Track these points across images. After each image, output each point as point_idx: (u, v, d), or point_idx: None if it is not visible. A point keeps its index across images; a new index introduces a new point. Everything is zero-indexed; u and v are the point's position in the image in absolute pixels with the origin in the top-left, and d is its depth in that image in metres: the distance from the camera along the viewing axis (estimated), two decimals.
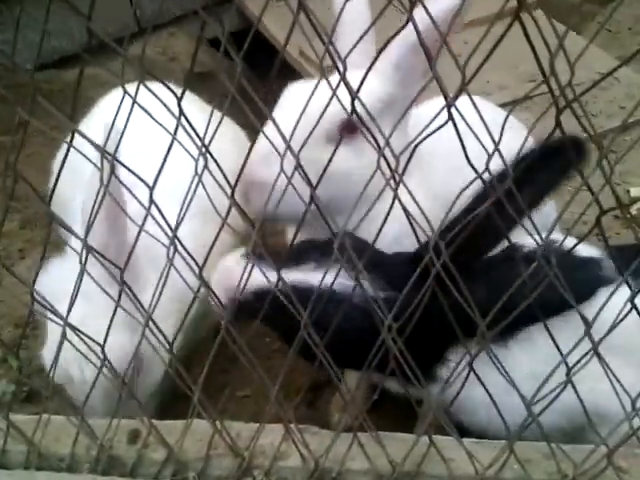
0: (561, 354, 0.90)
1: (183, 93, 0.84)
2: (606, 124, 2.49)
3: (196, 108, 1.14)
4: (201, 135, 0.85)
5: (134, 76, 2.65)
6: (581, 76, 2.63)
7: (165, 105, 0.85)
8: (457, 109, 0.76)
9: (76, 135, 1.96)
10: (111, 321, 0.93)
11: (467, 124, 0.78)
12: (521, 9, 0.70)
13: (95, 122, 1.63)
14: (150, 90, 0.83)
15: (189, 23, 3.21)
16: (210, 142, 0.87)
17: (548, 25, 0.71)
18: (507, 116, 0.81)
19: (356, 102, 0.74)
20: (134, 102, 0.85)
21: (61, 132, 1.87)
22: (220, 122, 0.88)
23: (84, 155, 0.88)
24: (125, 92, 0.84)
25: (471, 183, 0.84)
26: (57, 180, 0.98)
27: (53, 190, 0.98)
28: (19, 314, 1.87)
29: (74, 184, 1.32)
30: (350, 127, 1.19)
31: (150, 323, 0.89)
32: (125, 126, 0.90)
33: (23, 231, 2.13)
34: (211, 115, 0.90)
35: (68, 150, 0.92)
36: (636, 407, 0.89)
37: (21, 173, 0.90)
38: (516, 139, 0.89)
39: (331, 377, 1.00)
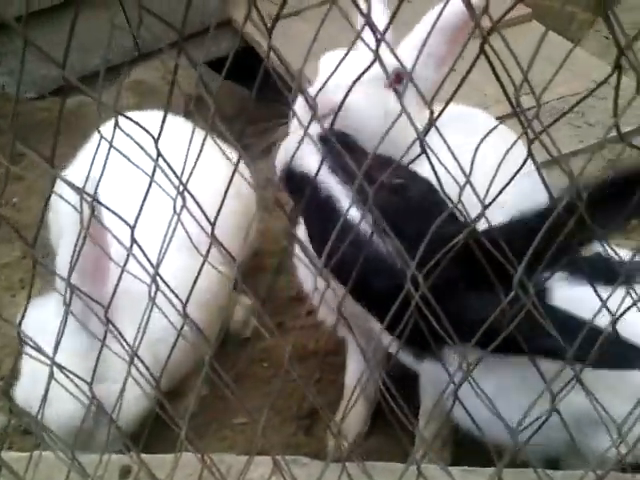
0: (545, 381, 0.90)
1: (160, 134, 0.85)
2: (603, 134, 2.49)
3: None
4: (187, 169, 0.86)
5: (132, 101, 2.67)
6: (578, 86, 2.64)
7: (142, 147, 0.86)
8: (428, 145, 0.77)
9: (74, 162, 1.98)
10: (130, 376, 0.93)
11: (437, 158, 0.78)
12: (486, 41, 0.71)
13: (87, 158, 1.65)
14: (125, 132, 0.84)
15: (188, 48, 3.26)
16: (188, 181, 0.88)
17: (548, 37, 0.71)
18: (483, 138, 0.81)
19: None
20: (111, 145, 0.86)
21: (62, 162, 1.91)
22: (199, 155, 0.89)
23: (62, 198, 0.90)
24: (101, 136, 0.85)
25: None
26: (42, 220, 0.99)
27: (37, 233, 0.99)
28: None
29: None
30: (397, 79, 1.37)
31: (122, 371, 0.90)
32: (104, 165, 0.91)
33: (24, 261, 2.16)
34: (188, 151, 0.91)
35: (50, 195, 0.93)
36: (622, 433, 0.88)
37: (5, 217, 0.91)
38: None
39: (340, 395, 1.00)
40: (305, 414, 1.64)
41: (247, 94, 3.04)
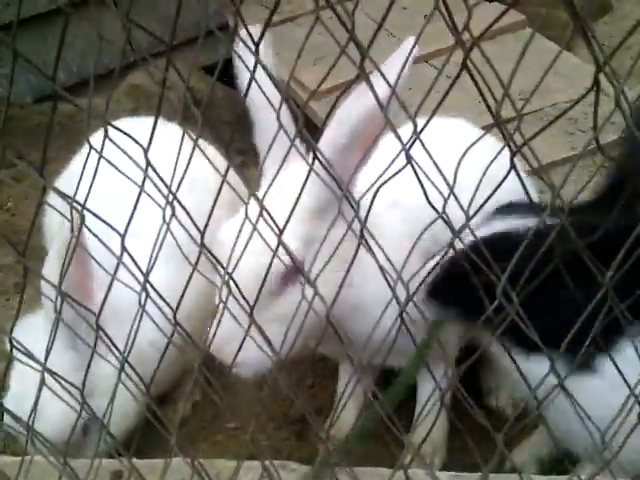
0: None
1: (149, 144, 0.86)
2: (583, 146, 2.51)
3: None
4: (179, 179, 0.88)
5: (129, 106, 2.68)
6: (573, 93, 2.66)
7: (131, 157, 0.88)
8: (413, 162, 0.78)
9: (67, 169, 1.99)
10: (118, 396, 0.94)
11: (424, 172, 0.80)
12: (468, 55, 0.72)
13: (78, 165, 1.67)
14: (114, 142, 0.85)
15: (184, 52, 3.27)
16: (178, 189, 0.89)
17: (539, 43, 0.72)
18: (465, 153, 0.82)
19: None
20: (100, 156, 0.87)
21: (58, 166, 1.91)
22: (188, 164, 0.90)
23: (53, 207, 0.91)
24: (91, 147, 0.86)
25: (432, 223, 0.86)
26: (32, 226, 1.01)
27: (28, 241, 1.00)
28: None
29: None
30: (291, 273, 1.19)
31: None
32: (94, 175, 0.92)
33: (19, 265, 2.16)
34: (177, 160, 0.92)
35: (41, 203, 0.94)
36: (606, 441, 0.90)
37: None
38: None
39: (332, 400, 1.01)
40: (297, 419, 1.65)
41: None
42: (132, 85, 3.13)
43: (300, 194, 0.86)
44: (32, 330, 1.18)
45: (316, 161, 0.79)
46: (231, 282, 0.91)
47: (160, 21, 2.98)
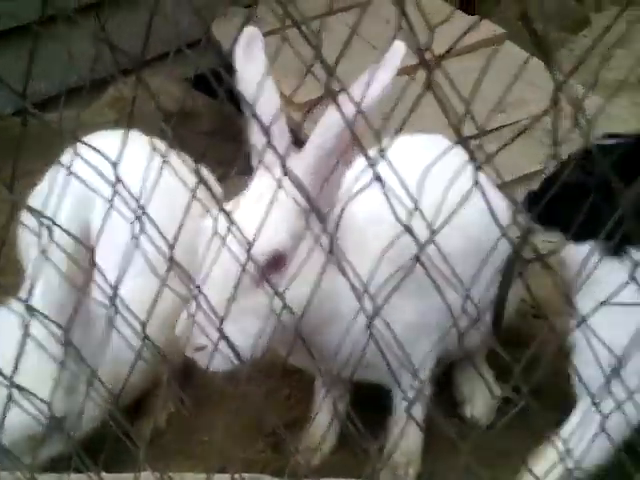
0: None
1: (120, 158, 0.87)
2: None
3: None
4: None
5: (112, 117, 2.67)
6: (546, 105, 2.70)
7: (101, 173, 0.88)
8: (380, 178, 0.79)
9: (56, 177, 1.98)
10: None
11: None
12: (432, 74, 0.74)
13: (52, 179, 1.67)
14: (84, 159, 0.86)
15: (165, 64, 3.27)
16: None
17: (520, 57, 0.73)
18: (428, 168, 0.83)
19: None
20: (69, 172, 0.87)
21: (35, 178, 1.90)
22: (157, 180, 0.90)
23: (23, 224, 0.92)
24: (60, 164, 0.87)
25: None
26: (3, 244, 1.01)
27: None
28: None
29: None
30: (277, 262, 1.20)
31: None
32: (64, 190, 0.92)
33: None
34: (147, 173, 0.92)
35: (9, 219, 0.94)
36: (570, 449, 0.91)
37: None
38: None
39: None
40: (272, 431, 1.65)
41: (231, 110, 3.04)
42: (115, 97, 3.13)
43: (273, 198, 0.87)
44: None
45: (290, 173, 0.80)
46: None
47: (142, 33, 2.99)
